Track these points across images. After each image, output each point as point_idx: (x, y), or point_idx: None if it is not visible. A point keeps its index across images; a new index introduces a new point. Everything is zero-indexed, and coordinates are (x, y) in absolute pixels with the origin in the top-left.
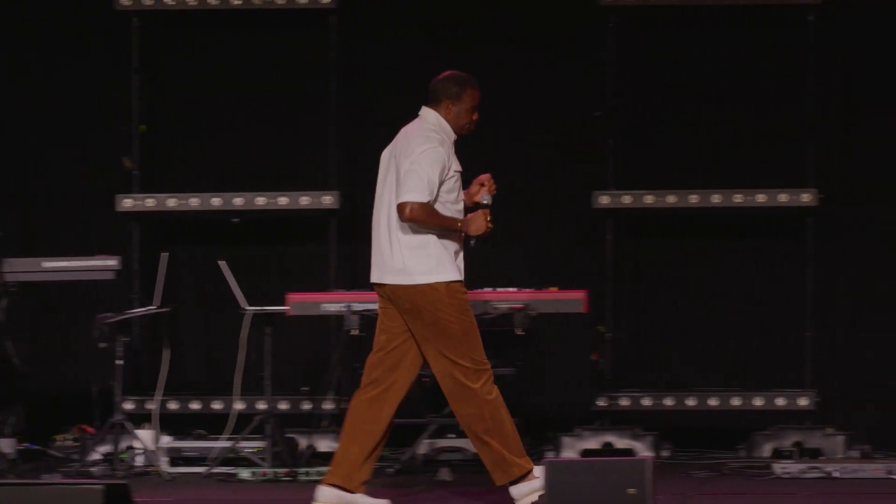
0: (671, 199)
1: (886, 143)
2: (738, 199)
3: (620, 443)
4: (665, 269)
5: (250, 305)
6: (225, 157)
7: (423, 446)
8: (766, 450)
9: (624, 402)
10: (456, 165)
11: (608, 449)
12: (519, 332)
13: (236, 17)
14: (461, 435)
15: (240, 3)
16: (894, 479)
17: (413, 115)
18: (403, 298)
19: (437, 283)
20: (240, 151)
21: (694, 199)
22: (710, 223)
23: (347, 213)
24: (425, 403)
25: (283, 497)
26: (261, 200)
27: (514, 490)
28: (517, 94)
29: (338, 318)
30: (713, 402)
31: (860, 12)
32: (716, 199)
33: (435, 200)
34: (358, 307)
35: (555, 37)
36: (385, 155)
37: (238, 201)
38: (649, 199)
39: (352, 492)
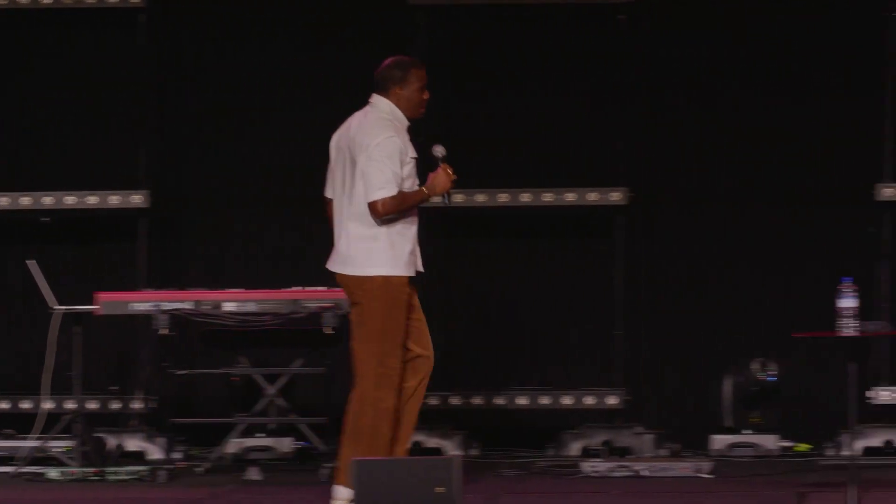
0: (481, 199)
1: (694, 142)
2: (547, 198)
3: (429, 442)
4: (474, 268)
5: (60, 305)
6: (36, 156)
7: (232, 445)
8: (575, 448)
9: (433, 401)
10: (411, 152)
11: (417, 448)
12: (328, 330)
13: (46, 15)
14: (271, 434)
15: (49, 1)
16: (703, 478)
17: (225, 113)
18: (347, 288)
19: (375, 275)
20: (52, 150)
21: (503, 198)
22: (518, 223)
23: (158, 212)
24: (234, 403)
25: (92, 496)
26: (70, 199)
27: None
28: (329, 92)
29: (147, 318)
30: (522, 400)
31: (667, 12)
32: (525, 198)
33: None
34: (167, 307)
35: (364, 35)
36: (334, 141)
37: (47, 200)
38: (459, 198)
39: None
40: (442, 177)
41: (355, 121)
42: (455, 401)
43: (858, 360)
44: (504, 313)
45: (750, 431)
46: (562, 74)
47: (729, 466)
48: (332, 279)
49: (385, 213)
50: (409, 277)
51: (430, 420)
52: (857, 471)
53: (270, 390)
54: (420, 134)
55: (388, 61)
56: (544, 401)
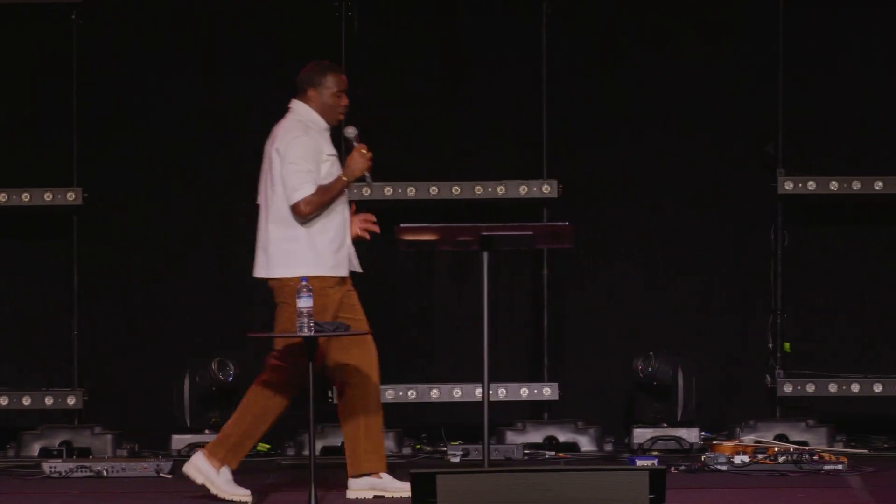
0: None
1: (150, 148)
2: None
3: None
4: None
5: None
6: None
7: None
8: (35, 449)
9: None
10: (329, 149)
11: None
12: None
13: None
14: None
15: None
16: (164, 478)
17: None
18: (273, 291)
19: (290, 277)
20: None
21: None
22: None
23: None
24: None
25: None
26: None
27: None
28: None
29: None
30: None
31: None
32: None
33: None
34: None
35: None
36: (265, 148)
37: None
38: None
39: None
40: (356, 158)
41: (276, 127)
42: None
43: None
44: None
45: (210, 431)
46: None
47: None
48: None
49: (309, 211)
50: (341, 277)
51: None
52: (317, 470)
53: None
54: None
55: (307, 65)
56: (3, 402)
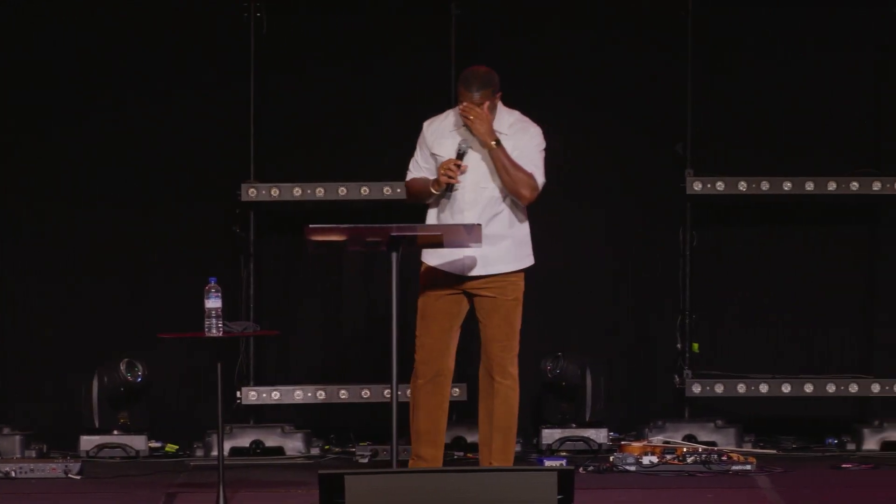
0: None
1: (61, 150)
2: None
3: None
4: None
5: None
6: None
7: None
8: None
9: None
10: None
11: None
12: None
13: None
14: None
15: None
16: (72, 479)
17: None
18: None
19: None
20: None
21: None
22: None
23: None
24: None
25: None
26: None
27: None
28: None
29: None
30: None
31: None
32: None
33: None
34: None
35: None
36: None
37: None
38: None
39: None
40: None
41: None
42: None
43: (226, 360)
44: None
45: (118, 432)
46: None
47: (99, 467)
48: None
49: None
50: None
51: None
52: (225, 471)
53: None
54: None
55: None
56: None
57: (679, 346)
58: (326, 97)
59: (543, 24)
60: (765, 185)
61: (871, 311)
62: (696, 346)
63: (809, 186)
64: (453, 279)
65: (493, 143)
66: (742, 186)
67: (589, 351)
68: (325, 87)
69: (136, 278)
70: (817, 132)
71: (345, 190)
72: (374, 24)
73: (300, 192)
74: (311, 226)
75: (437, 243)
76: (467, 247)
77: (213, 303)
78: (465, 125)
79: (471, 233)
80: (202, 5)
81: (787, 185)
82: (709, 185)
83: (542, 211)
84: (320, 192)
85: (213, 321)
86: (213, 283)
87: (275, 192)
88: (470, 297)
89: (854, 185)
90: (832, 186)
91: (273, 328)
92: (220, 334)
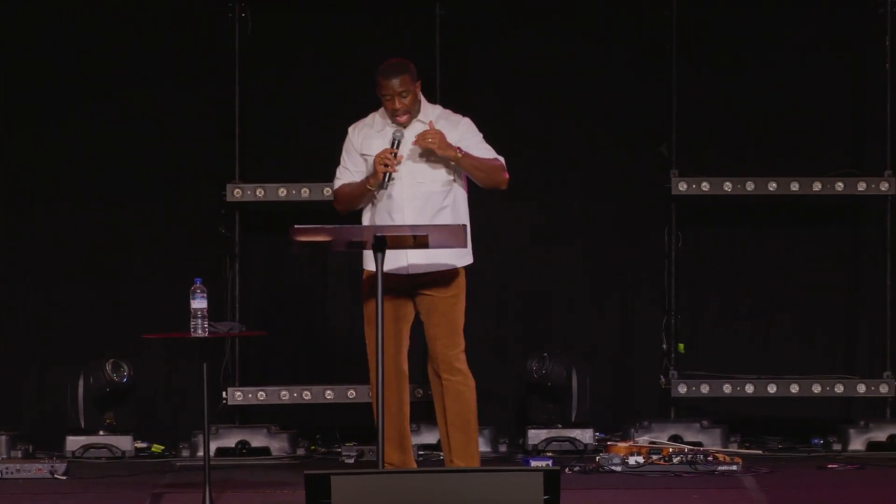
0: None
1: (45, 151)
2: None
3: None
4: None
5: None
6: None
7: None
8: None
9: None
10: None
11: None
12: None
13: None
14: None
15: None
16: (58, 479)
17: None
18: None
19: None
20: None
21: None
22: None
23: None
24: None
25: None
26: None
27: None
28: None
29: None
30: None
31: None
32: None
33: None
34: None
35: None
36: None
37: None
38: None
39: None
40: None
41: None
42: None
43: (211, 360)
44: None
45: (104, 433)
46: None
47: (85, 468)
48: None
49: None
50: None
51: None
52: (211, 471)
53: None
54: None
55: None
56: None
57: (665, 346)
58: (311, 97)
59: (528, 24)
60: (750, 186)
61: (856, 312)
62: (681, 346)
63: (794, 187)
64: (394, 280)
65: (457, 153)
66: (727, 187)
67: (574, 351)
68: (309, 87)
69: (121, 278)
70: (800, 133)
71: (330, 190)
72: (358, 25)
73: (285, 192)
74: (296, 226)
75: (423, 244)
76: (450, 247)
77: (199, 303)
78: (396, 123)
79: (455, 234)
80: (186, 6)
81: (772, 186)
82: (694, 186)
83: (525, 211)
84: (305, 193)
85: (199, 321)
86: (198, 284)
87: (260, 193)
88: (413, 298)
89: (839, 186)
90: (817, 186)
91: (258, 328)
92: (206, 335)
